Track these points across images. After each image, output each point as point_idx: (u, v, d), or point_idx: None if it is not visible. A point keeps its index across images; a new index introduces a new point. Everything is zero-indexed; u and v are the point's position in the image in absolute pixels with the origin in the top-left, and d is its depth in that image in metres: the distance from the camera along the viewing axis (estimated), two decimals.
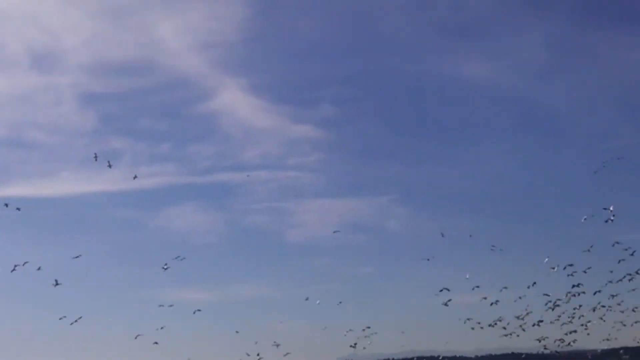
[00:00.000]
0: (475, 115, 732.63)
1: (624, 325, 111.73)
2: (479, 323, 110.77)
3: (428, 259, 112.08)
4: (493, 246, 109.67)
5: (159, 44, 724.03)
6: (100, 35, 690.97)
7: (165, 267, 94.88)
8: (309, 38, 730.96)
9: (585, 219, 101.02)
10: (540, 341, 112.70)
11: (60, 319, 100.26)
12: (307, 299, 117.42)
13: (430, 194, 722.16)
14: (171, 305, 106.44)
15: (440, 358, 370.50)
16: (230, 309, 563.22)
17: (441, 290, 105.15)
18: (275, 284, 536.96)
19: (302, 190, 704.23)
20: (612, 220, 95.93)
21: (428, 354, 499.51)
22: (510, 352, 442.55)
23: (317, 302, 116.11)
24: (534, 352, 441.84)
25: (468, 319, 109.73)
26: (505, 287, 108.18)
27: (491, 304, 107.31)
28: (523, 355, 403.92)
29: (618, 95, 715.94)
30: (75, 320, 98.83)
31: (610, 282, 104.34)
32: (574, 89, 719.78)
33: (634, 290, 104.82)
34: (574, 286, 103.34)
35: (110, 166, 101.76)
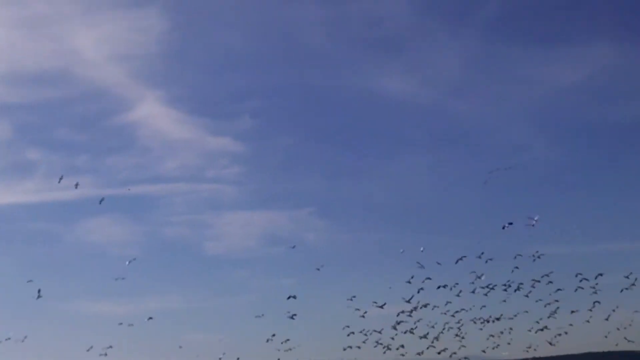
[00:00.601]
0: (392, 129, 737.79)
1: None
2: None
3: (318, 269, 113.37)
4: (418, 263, 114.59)
5: (77, 54, 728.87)
6: (15, 44, 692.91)
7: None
8: (228, 51, 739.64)
9: (505, 226, 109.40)
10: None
11: None
12: None
13: (348, 207, 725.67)
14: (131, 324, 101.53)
15: None
16: (147, 321, 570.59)
17: (350, 299, 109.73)
18: (194, 296, 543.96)
19: (221, 203, 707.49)
20: (533, 225, 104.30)
21: None
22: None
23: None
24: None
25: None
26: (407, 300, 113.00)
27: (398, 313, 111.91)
28: None
29: (531, 111, 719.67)
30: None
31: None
32: (489, 104, 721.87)
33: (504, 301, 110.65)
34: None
35: (76, 185, 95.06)
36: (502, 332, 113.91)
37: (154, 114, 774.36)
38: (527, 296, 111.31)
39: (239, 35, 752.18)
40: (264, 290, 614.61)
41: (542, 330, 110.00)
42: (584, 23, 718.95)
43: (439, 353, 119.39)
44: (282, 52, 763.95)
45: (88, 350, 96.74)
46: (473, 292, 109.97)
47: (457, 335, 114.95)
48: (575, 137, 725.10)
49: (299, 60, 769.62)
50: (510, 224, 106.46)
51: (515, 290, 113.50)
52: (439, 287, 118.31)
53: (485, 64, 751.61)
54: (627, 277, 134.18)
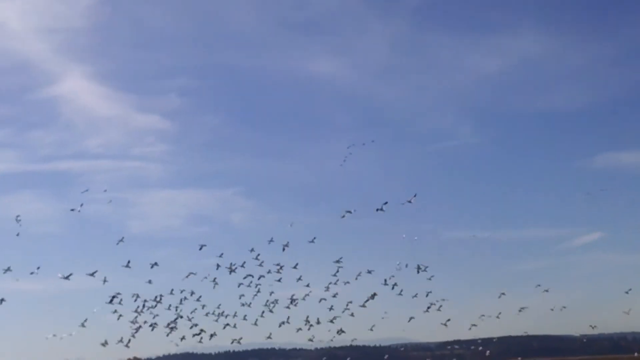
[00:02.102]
0: (318, 112, 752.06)
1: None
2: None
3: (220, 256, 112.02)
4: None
5: (1, 25, 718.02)
6: None
7: None
8: (156, 28, 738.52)
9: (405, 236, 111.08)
10: None
11: None
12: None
13: (274, 188, 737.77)
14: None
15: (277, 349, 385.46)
16: (66, 299, 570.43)
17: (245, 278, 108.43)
18: (115, 275, 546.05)
19: (145, 181, 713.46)
20: (410, 202, 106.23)
21: (268, 346, 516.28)
22: (348, 344, 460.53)
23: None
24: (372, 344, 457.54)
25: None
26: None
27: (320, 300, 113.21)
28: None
29: (457, 97, 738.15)
30: None
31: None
32: (415, 89, 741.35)
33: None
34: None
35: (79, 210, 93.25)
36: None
37: (79, 89, 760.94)
38: None
39: (167, 12, 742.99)
40: (186, 270, 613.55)
41: None
42: (509, 13, 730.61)
43: None
44: (211, 32, 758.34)
45: None
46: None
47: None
48: (497, 124, 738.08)
49: (227, 41, 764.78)
50: (385, 203, 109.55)
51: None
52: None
53: (412, 49, 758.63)
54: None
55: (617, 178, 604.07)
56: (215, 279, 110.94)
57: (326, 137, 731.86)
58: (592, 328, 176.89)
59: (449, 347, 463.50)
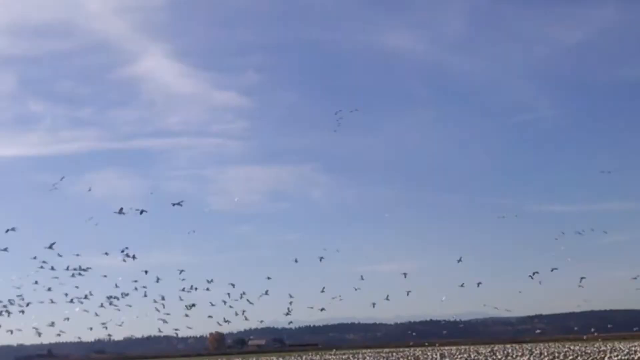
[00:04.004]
0: (396, 86, 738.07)
1: None
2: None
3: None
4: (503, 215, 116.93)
5: (80, 6, 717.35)
6: None
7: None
8: (232, 5, 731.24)
9: (503, 216, 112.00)
10: None
11: None
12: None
13: (352, 163, 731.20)
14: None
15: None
16: (149, 276, 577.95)
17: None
18: (197, 251, 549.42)
19: (224, 158, 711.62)
20: (339, 122, 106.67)
21: (348, 321, 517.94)
22: (429, 319, 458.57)
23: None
24: (452, 319, 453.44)
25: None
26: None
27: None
28: (442, 322, 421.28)
29: (536, 70, 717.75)
30: None
31: None
32: (494, 62, 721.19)
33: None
34: None
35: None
36: None
37: (158, 68, 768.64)
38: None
39: None
40: (268, 246, 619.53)
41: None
42: None
43: None
44: (288, 7, 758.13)
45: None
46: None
47: None
48: (580, 96, 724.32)
49: (304, 16, 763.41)
50: (340, 110, 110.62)
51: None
52: None
53: (490, 22, 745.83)
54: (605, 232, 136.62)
55: None
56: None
57: (404, 111, 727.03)
58: None
59: (530, 321, 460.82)
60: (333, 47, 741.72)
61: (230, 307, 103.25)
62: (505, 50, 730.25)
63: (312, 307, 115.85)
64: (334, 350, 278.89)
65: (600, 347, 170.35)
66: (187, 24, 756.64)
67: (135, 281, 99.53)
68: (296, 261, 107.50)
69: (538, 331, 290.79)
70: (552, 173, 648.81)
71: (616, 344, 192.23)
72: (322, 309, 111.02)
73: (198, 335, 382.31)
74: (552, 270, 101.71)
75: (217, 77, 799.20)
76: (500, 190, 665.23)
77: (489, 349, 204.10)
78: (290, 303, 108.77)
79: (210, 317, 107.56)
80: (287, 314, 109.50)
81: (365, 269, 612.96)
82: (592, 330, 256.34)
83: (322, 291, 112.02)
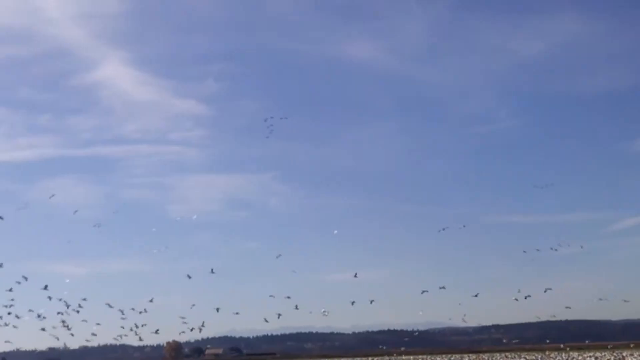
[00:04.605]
0: (358, 95, 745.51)
1: None
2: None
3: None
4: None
5: (39, 12, 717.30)
6: None
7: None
8: (193, 13, 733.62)
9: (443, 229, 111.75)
10: None
11: None
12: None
13: (311, 172, 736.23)
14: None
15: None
16: (105, 283, 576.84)
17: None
18: (155, 259, 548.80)
19: (184, 166, 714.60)
20: (271, 129, 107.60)
21: (306, 330, 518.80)
22: (386, 328, 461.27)
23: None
24: (409, 329, 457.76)
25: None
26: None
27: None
28: (400, 331, 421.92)
29: (496, 81, 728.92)
30: None
31: None
32: (455, 73, 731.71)
33: None
34: None
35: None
36: None
37: (117, 75, 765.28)
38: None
39: None
40: (226, 254, 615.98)
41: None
42: None
43: None
44: (248, 16, 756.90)
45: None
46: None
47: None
48: (539, 107, 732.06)
49: (265, 25, 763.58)
50: (271, 117, 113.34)
51: None
52: None
53: (451, 33, 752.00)
54: (582, 247, 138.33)
55: None
56: None
57: (364, 121, 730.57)
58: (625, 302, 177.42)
59: (487, 331, 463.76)
60: (294, 56, 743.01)
61: (184, 322, 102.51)
62: (465, 61, 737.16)
63: (266, 318, 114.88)
64: None
65: (556, 357, 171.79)
66: (147, 32, 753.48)
67: (91, 288, 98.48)
68: (212, 271, 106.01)
69: (516, 341, 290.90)
70: (510, 183, 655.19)
71: (571, 354, 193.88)
72: (279, 315, 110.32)
73: (155, 344, 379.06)
74: (519, 292, 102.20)
75: (177, 85, 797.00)
76: (460, 200, 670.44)
77: (447, 359, 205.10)
78: (236, 313, 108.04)
79: (157, 331, 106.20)
80: (237, 313, 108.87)
81: (324, 277, 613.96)
82: (548, 340, 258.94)
83: (271, 296, 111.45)
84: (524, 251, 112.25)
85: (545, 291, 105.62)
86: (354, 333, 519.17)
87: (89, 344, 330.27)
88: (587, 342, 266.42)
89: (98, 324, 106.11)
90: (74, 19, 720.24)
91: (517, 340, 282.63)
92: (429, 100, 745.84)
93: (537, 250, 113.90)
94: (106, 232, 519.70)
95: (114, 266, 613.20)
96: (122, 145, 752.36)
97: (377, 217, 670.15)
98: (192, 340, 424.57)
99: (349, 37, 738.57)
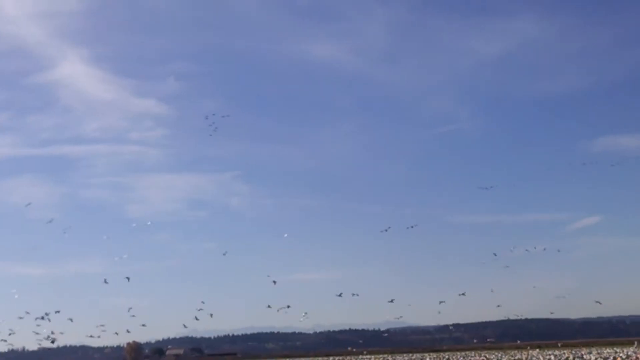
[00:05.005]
0: (320, 96, 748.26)
1: None
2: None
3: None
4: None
5: None
6: None
7: None
8: (154, 11, 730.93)
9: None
10: None
11: None
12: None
13: (272, 173, 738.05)
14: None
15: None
16: (64, 284, 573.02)
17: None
18: (114, 259, 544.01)
19: (144, 165, 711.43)
20: (215, 128, 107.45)
21: (267, 330, 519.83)
22: (348, 328, 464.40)
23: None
24: (371, 328, 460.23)
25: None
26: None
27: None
28: (362, 331, 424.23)
29: (458, 81, 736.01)
30: None
31: None
32: (416, 73, 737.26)
33: None
34: None
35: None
36: None
37: (76, 73, 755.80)
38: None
39: None
40: (186, 254, 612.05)
41: None
42: None
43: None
44: (210, 15, 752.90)
45: None
46: None
47: None
48: (498, 108, 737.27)
49: (226, 25, 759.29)
50: (213, 114, 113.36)
51: None
52: None
53: (412, 33, 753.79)
54: (544, 249, 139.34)
55: (616, 161, 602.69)
56: None
57: (326, 121, 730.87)
58: (598, 304, 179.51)
59: (447, 330, 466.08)
60: (256, 56, 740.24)
61: (133, 315, 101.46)
62: (426, 62, 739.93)
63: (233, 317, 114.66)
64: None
65: (516, 356, 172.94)
66: (107, 31, 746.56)
67: (50, 288, 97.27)
68: (106, 281, 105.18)
69: (491, 339, 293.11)
70: (471, 183, 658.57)
71: (531, 352, 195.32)
72: (211, 315, 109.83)
73: (115, 345, 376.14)
74: (459, 295, 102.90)
75: (137, 84, 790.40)
76: (421, 201, 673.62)
77: (407, 358, 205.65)
78: (199, 310, 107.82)
79: (116, 333, 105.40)
80: (197, 317, 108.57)
81: (284, 278, 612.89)
82: (507, 339, 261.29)
83: (233, 296, 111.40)
84: (495, 254, 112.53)
85: (459, 295, 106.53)
86: (315, 333, 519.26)
87: (49, 346, 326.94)
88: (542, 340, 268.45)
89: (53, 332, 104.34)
90: (32, 17, 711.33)
91: (476, 340, 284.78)
92: (390, 100, 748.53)
93: (494, 255, 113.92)
94: (66, 232, 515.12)
95: (71, 267, 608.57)
96: (82, 145, 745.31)
97: (338, 217, 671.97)
98: (153, 341, 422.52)
99: (311, 37, 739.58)
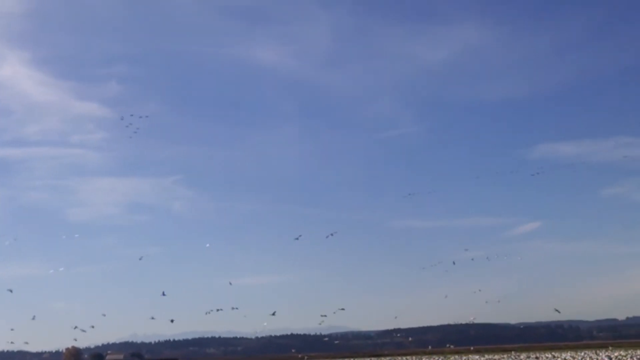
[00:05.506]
0: (263, 100, 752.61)
1: None
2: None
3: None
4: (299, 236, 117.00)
5: None
6: None
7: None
8: (96, 15, 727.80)
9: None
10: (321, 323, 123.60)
11: None
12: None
13: (215, 176, 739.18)
14: None
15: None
16: (1, 288, 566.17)
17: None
18: (56, 263, 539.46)
19: (85, 169, 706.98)
20: (135, 130, 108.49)
21: (208, 335, 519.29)
22: (289, 332, 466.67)
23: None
24: (313, 333, 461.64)
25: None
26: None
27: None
28: (303, 336, 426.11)
29: (401, 86, 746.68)
30: None
31: None
32: (358, 78, 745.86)
33: None
34: None
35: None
36: None
37: (16, 76, 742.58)
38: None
39: None
40: (128, 259, 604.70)
41: None
42: (451, 2, 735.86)
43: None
44: (152, 18, 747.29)
45: None
46: None
47: None
48: (440, 113, 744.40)
49: (169, 27, 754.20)
50: (131, 115, 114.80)
51: None
52: None
53: (355, 38, 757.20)
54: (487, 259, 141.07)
55: (554, 168, 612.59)
56: None
57: (268, 125, 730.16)
58: (557, 312, 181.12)
59: (389, 335, 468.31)
60: (199, 59, 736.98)
61: (75, 327, 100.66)
62: (370, 67, 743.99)
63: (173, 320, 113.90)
64: None
65: None
66: (47, 33, 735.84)
67: None
68: (11, 291, 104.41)
69: (450, 346, 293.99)
70: (412, 189, 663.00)
71: (470, 356, 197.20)
72: (172, 320, 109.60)
73: (53, 350, 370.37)
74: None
75: (78, 87, 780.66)
76: (363, 205, 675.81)
77: None
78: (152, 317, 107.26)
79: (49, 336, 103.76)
80: (171, 319, 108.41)
81: (227, 282, 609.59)
82: (448, 344, 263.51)
83: (163, 294, 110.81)
84: (440, 262, 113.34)
85: (446, 297, 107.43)
86: (257, 338, 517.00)
87: None
88: (472, 347, 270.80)
89: None
90: None
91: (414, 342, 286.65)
92: (333, 105, 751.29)
93: (439, 262, 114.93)
94: (3, 236, 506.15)
95: (13, 270, 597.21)
96: (22, 148, 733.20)
97: (280, 221, 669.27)
98: (92, 346, 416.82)
99: (254, 41, 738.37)
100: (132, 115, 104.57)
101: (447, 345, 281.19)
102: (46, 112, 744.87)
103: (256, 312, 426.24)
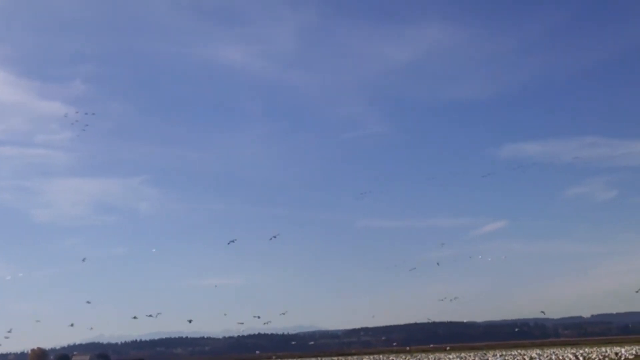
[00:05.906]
0: (229, 100, 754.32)
1: None
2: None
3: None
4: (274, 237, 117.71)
5: None
6: None
7: None
8: (60, 13, 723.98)
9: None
10: None
11: None
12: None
13: (182, 177, 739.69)
14: None
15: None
16: None
17: None
18: (19, 264, 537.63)
19: (50, 169, 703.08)
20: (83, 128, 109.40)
21: (175, 335, 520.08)
22: (257, 332, 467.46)
23: None
24: (280, 332, 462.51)
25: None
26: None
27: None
28: (270, 335, 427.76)
29: (367, 87, 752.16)
30: None
31: None
32: (325, 78, 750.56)
33: None
34: None
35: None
36: None
37: None
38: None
39: None
40: (94, 260, 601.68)
41: None
42: (417, 3, 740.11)
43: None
44: (118, 17, 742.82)
45: None
46: None
47: None
48: (406, 114, 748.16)
49: (136, 27, 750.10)
50: (76, 112, 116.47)
51: None
52: None
53: (320, 38, 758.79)
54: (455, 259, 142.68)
55: (521, 168, 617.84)
56: None
57: (235, 126, 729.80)
58: (542, 313, 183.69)
59: (356, 334, 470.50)
60: (166, 59, 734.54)
61: (38, 320, 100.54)
62: (336, 67, 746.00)
63: (135, 318, 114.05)
64: None
65: (423, 358, 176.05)
66: (10, 31, 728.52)
67: None
68: None
69: (430, 347, 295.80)
70: (379, 189, 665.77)
71: (437, 354, 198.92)
72: (134, 317, 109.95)
73: (19, 352, 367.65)
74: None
75: (42, 87, 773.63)
76: (330, 205, 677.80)
77: None
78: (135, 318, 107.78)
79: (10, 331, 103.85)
80: (135, 317, 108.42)
81: (192, 282, 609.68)
82: (414, 342, 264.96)
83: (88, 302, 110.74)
84: (404, 261, 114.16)
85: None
86: (224, 337, 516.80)
87: None
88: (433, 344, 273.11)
89: None
90: None
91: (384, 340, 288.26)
92: (298, 105, 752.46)
93: (404, 262, 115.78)
94: None
95: None
96: None
97: (245, 221, 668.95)
98: (58, 347, 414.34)
99: (220, 41, 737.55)
100: (77, 112, 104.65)
101: (412, 344, 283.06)
102: (10, 111, 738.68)
103: (222, 312, 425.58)
